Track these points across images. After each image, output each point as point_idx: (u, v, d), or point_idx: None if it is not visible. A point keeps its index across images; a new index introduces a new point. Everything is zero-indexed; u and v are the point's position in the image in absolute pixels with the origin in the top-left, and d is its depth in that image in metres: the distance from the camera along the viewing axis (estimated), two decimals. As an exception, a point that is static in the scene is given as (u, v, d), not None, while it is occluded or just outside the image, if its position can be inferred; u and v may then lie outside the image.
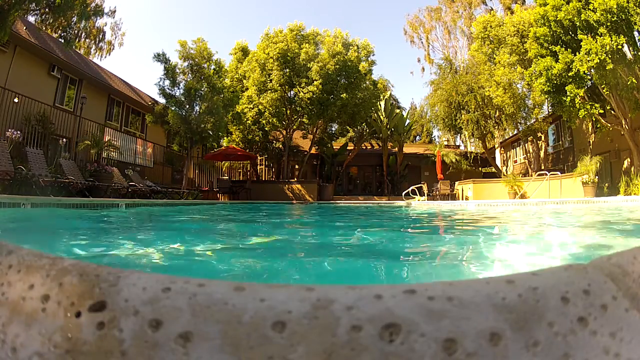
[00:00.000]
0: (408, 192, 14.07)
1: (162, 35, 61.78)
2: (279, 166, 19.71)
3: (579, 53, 9.57)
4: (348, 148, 21.58)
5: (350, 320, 0.29)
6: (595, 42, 9.14)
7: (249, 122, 17.12)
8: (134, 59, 58.52)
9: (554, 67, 10.17)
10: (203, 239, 3.10)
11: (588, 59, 9.25)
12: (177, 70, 13.89)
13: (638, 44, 9.29)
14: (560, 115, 13.20)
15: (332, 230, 4.12)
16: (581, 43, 9.47)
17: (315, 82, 15.29)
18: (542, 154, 18.95)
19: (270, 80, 15.89)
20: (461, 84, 16.39)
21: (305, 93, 15.40)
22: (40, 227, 3.76)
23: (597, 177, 10.50)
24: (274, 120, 16.77)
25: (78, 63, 13.44)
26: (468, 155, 19.73)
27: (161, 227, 4.34)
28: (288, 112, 16.98)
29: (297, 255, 2.34)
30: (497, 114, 15.70)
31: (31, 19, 11.38)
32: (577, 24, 9.76)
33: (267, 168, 23.36)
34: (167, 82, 13.78)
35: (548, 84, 10.50)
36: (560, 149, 17.46)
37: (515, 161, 21.63)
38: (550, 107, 14.72)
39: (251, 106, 16.57)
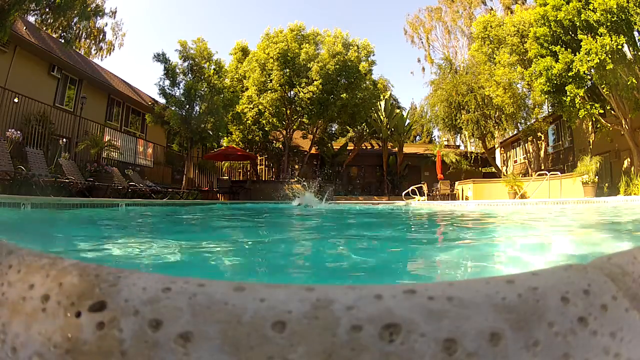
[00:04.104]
0: (408, 192, 14.07)
1: (162, 35, 61.72)
2: (279, 166, 19.72)
3: (579, 53, 9.57)
4: (348, 148, 21.57)
5: (350, 320, 0.29)
6: (595, 42, 9.14)
7: (249, 122, 17.12)
8: (134, 59, 58.48)
9: (554, 67, 10.17)
10: (202, 238, 3.10)
11: (588, 59, 9.25)
12: (177, 71, 13.89)
13: (638, 44, 9.29)
14: (560, 115, 13.20)
15: (332, 229, 4.12)
16: (581, 43, 9.47)
17: (315, 82, 15.29)
18: (542, 154, 18.95)
19: (270, 80, 15.89)
20: (461, 84, 16.38)
21: (305, 93, 15.40)
22: (40, 227, 3.76)
23: (597, 177, 10.49)
24: (274, 120, 16.77)
25: (78, 63, 13.44)
26: (468, 155, 19.72)
27: (161, 226, 4.35)
28: (288, 112, 16.98)
29: (296, 256, 2.34)
30: (497, 114, 15.69)
31: (31, 19, 11.38)
32: (577, 24, 9.75)
33: (267, 168, 23.36)
34: (167, 82, 13.79)
35: (548, 84, 10.50)
36: (560, 149, 17.46)
37: (515, 161, 21.63)
38: (550, 107, 14.72)
39: (251, 106, 16.57)
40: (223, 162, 20.90)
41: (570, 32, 10.25)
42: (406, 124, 20.79)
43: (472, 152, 20.09)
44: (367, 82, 17.20)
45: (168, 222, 4.93)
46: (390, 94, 22.89)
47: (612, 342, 0.32)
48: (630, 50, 9.31)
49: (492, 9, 25.56)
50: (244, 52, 18.90)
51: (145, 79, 70.07)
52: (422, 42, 29.81)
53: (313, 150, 20.11)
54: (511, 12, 20.67)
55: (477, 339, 0.29)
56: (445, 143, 22.92)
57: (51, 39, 13.07)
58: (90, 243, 2.56)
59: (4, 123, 9.30)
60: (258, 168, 22.45)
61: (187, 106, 13.71)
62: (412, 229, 4.32)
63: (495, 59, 14.97)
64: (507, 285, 0.33)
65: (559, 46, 10.41)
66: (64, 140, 11.10)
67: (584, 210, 6.90)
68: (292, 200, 12.06)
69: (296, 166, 21.80)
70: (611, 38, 8.96)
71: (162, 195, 11.02)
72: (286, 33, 16.42)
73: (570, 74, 9.88)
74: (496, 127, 16.54)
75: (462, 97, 16.17)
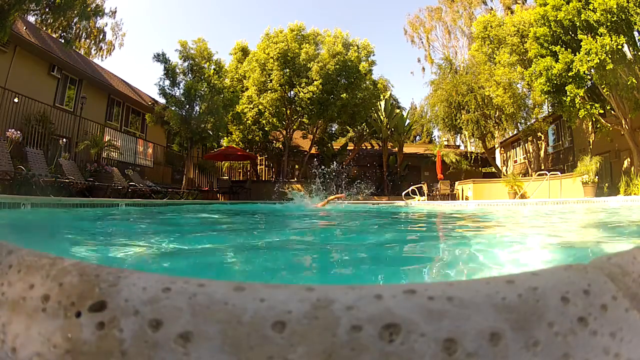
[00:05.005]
0: (408, 192, 14.07)
1: (162, 35, 61.77)
2: (279, 166, 19.73)
3: (579, 53, 9.57)
4: (348, 148, 21.57)
5: (350, 320, 0.29)
6: (595, 42, 9.14)
7: (249, 122, 17.13)
8: (134, 59, 58.51)
9: (554, 67, 10.17)
10: (202, 237, 3.10)
11: (588, 59, 9.25)
12: (177, 71, 13.90)
13: (638, 44, 9.29)
14: (560, 115, 13.20)
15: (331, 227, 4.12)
16: (581, 43, 9.47)
17: (315, 82, 15.30)
18: (542, 154, 18.95)
19: (270, 80, 15.90)
20: (461, 84, 16.38)
21: (305, 93, 15.40)
22: (40, 227, 3.76)
23: (597, 177, 10.49)
24: (274, 120, 16.78)
25: (78, 63, 13.44)
26: (468, 155, 19.73)
27: (160, 226, 4.34)
28: (288, 112, 16.99)
29: (296, 255, 2.34)
30: (497, 114, 15.70)
31: (31, 19, 11.39)
32: (577, 24, 9.76)
33: (267, 168, 23.37)
34: (167, 82, 13.80)
35: (548, 84, 10.50)
36: (560, 149, 17.46)
37: (515, 161, 21.63)
38: (550, 107, 14.73)
39: (251, 106, 16.58)
40: (223, 162, 20.90)
41: (570, 32, 10.26)
42: (406, 124, 20.79)
43: (472, 152, 20.10)
44: (367, 82, 17.20)
45: (169, 223, 4.93)
46: (390, 94, 22.89)
47: (612, 342, 0.32)
48: (630, 50, 9.31)
49: (492, 9, 25.57)
50: (244, 52, 18.91)
51: (145, 79, 70.15)
52: (422, 42, 29.82)
53: (313, 150, 20.12)
54: (511, 12, 20.67)
55: (477, 339, 0.29)
56: (445, 143, 22.92)
57: (51, 39, 13.07)
58: (89, 243, 2.56)
59: (4, 123, 9.30)
60: (258, 168, 22.45)
61: (187, 106, 13.72)
62: (416, 229, 4.32)
63: (495, 59, 14.97)
64: (507, 285, 0.33)
65: (559, 46, 10.41)
66: (64, 140, 11.11)
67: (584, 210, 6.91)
68: (293, 200, 12.04)
69: (296, 166, 21.83)
70: (611, 38, 8.96)
71: (162, 195, 11.03)
72: (286, 33, 16.42)
73: (570, 74, 9.88)
74: (496, 127, 16.55)
75: (462, 97, 16.17)
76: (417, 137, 35.20)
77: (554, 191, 11.27)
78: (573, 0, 9.71)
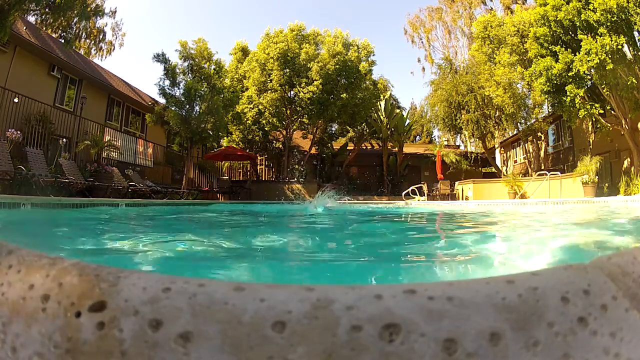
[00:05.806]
0: (408, 192, 14.06)
1: (162, 35, 61.79)
2: (279, 166, 19.73)
3: (579, 53, 9.57)
4: (348, 148, 21.57)
5: (350, 320, 0.29)
6: (595, 42, 9.14)
7: (249, 122, 17.13)
8: (134, 59, 58.51)
9: (554, 67, 10.17)
10: (202, 237, 3.09)
11: (588, 59, 9.25)
12: (177, 71, 13.89)
13: (638, 44, 9.29)
14: (560, 115, 13.20)
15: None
16: (581, 43, 9.47)
17: (315, 82, 15.30)
18: (542, 154, 18.95)
19: (271, 80, 15.90)
20: (461, 84, 16.38)
21: (305, 93, 15.40)
22: (39, 227, 3.76)
23: (597, 177, 10.49)
24: (274, 120, 16.78)
25: (78, 63, 13.44)
26: (468, 155, 19.72)
27: (160, 226, 4.34)
28: (288, 112, 16.98)
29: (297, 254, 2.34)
30: (497, 114, 15.70)
31: (31, 19, 11.39)
32: (577, 24, 9.76)
33: (267, 168, 23.36)
34: (167, 82, 13.79)
35: (548, 84, 10.50)
36: (560, 149, 17.45)
37: (515, 161, 21.62)
38: (550, 107, 14.72)
39: (251, 106, 16.58)
40: (223, 162, 20.90)
41: (570, 32, 10.25)
42: (406, 124, 20.78)
43: (472, 152, 20.09)
44: (367, 82, 17.20)
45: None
46: (390, 94, 22.89)
47: (612, 342, 0.32)
48: (630, 50, 9.30)
49: (492, 9, 25.56)
50: (244, 52, 18.91)
51: (145, 79, 70.13)
52: (422, 42, 29.81)
53: (313, 150, 20.11)
54: (511, 12, 20.66)
55: (477, 339, 0.29)
56: (445, 143, 22.91)
57: (51, 39, 13.07)
58: (88, 242, 2.56)
59: (4, 123, 9.29)
60: (258, 168, 22.45)
61: (187, 106, 13.71)
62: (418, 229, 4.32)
63: (495, 59, 14.96)
64: (507, 285, 0.33)
65: (559, 46, 10.40)
66: (64, 140, 11.10)
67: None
68: (295, 200, 12.06)
69: (296, 166, 21.84)
70: (611, 38, 8.95)
71: (162, 195, 11.02)
72: (286, 33, 16.42)
73: (570, 74, 9.88)
74: (496, 127, 16.54)
75: (462, 97, 16.17)
76: (417, 137, 35.19)
77: (554, 191, 11.27)
78: (573, 0, 9.70)
